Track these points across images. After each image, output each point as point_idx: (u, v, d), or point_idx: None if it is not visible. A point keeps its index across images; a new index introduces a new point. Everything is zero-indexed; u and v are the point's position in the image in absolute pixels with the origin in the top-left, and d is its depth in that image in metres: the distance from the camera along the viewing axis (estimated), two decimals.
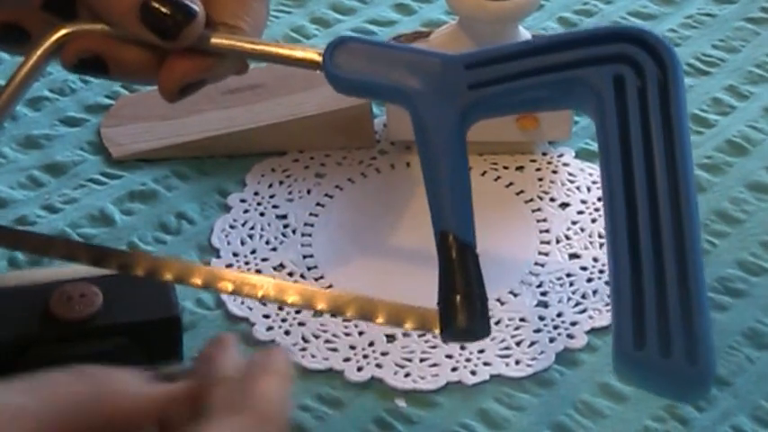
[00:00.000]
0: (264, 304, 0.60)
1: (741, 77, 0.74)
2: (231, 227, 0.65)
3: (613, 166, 0.48)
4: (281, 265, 0.63)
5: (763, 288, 0.62)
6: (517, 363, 0.58)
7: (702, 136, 0.70)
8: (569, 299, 0.61)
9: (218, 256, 0.64)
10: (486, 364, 0.58)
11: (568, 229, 0.65)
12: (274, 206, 0.66)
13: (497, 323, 0.60)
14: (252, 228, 0.65)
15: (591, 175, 0.68)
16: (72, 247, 0.54)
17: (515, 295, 0.61)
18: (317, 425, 0.56)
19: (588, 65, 0.49)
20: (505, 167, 0.68)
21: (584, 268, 0.63)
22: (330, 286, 0.62)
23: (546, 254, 0.63)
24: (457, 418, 0.56)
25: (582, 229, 0.65)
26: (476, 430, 0.56)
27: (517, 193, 0.67)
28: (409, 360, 0.58)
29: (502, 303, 0.61)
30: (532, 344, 0.59)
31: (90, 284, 0.54)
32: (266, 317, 0.60)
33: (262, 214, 0.66)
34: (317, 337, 0.59)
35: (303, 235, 0.65)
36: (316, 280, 0.62)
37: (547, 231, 0.65)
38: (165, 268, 0.52)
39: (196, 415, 0.42)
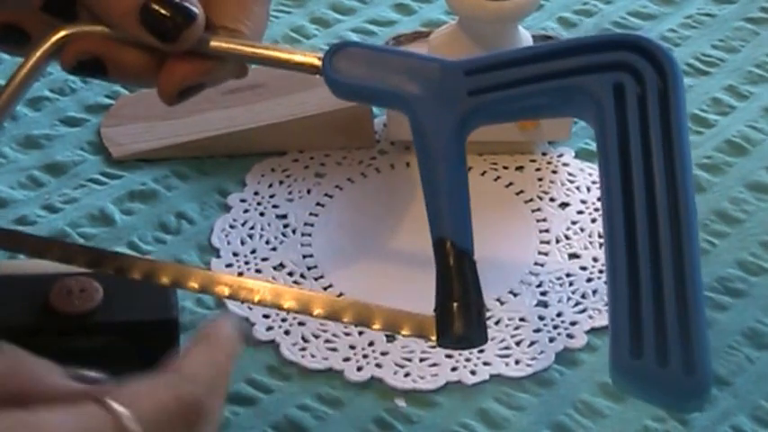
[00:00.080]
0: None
1: (741, 77, 0.74)
2: (231, 227, 0.65)
3: (612, 174, 0.48)
4: (281, 265, 0.63)
5: (763, 288, 0.62)
6: (517, 362, 0.58)
7: (702, 136, 0.70)
8: (569, 299, 0.61)
9: (218, 256, 0.64)
10: (485, 363, 0.58)
11: (568, 228, 0.65)
12: (274, 206, 0.66)
13: (497, 323, 0.60)
14: (252, 228, 0.65)
15: (590, 175, 0.68)
16: (69, 250, 0.54)
17: (515, 295, 0.61)
18: (316, 424, 0.56)
19: (588, 72, 0.49)
20: (505, 167, 0.68)
21: (583, 268, 0.63)
22: (330, 286, 0.62)
23: (546, 254, 0.63)
24: (457, 418, 0.56)
25: (582, 229, 0.65)
26: (475, 430, 0.56)
27: (517, 193, 0.67)
28: (409, 360, 0.58)
29: (502, 303, 0.61)
30: (532, 344, 0.59)
31: (91, 279, 0.53)
32: (266, 317, 0.60)
33: (262, 214, 0.66)
34: (316, 336, 0.59)
35: (303, 235, 0.65)
36: (315, 280, 0.62)
37: (546, 231, 0.65)
38: (162, 271, 0.52)
39: None
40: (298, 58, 0.51)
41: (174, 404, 0.43)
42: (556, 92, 0.49)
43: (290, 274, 0.63)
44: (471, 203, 0.49)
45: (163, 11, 0.49)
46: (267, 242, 0.64)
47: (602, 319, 0.60)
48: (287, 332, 0.60)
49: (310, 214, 0.66)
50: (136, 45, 0.50)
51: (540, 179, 0.68)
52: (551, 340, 0.59)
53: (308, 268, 0.63)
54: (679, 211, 0.47)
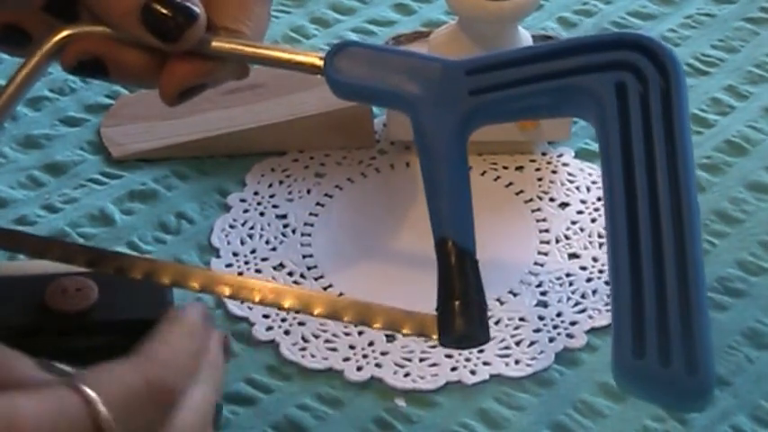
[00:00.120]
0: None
1: (740, 77, 0.74)
2: (231, 226, 0.65)
3: (615, 173, 0.48)
4: (281, 265, 0.63)
5: (763, 288, 0.62)
6: (517, 362, 0.58)
7: (702, 136, 0.70)
8: (569, 298, 0.61)
9: (218, 256, 0.64)
10: (485, 363, 0.58)
11: (568, 228, 0.65)
12: (274, 206, 0.66)
13: (497, 323, 0.60)
14: (252, 227, 0.65)
15: (590, 175, 0.68)
16: (69, 250, 0.54)
17: (515, 295, 0.61)
18: (316, 424, 0.56)
19: (590, 72, 0.49)
20: (505, 167, 0.68)
21: (583, 268, 0.63)
22: (330, 286, 0.62)
23: (545, 254, 0.63)
24: (456, 418, 0.56)
25: (581, 229, 0.65)
26: (475, 430, 0.56)
27: (517, 193, 0.67)
28: (409, 360, 0.58)
29: (501, 303, 0.61)
30: (532, 343, 0.59)
31: (87, 279, 0.53)
32: (266, 317, 0.60)
33: (262, 214, 0.66)
34: (316, 336, 0.59)
35: (303, 235, 0.65)
36: (315, 279, 0.62)
37: (546, 231, 0.65)
38: (163, 271, 0.52)
39: None
40: (299, 58, 0.51)
41: (143, 388, 0.43)
42: (557, 91, 0.49)
43: (290, 273, 0.63)
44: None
45: (164, 11, 0.49)
46: (267, 242, 0.64)
47: (602, 319, 0.60)
48: (287, 332, 0.60)
49: (310, 214, 0.66)
50: (137, 45, 0.50)
51: (539, 179, 0.68)
52: (551, 340, 0.59)
53: (308, 268, 0.63)
54: (682, 210, 0.47)
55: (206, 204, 0.67)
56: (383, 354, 0.59)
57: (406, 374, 0.58)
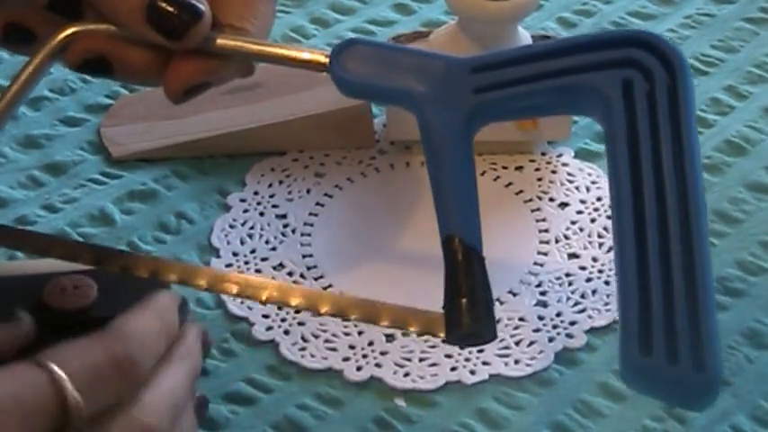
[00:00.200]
0: (264, 304, 0.60)
1: (740, 77, 0.74)
2: (231, 226, 0.65)
3: (622, 170, 0.48)
4: (281, 265, 0.63)
5: (763, 288, 0.62)
6: (516, 362, 0.58)
7: (702, 136, 0.70)
8: (568, 298, 0.61)
9: (218, 256, 0.64)
10: (485, 363, 0.58)
11: (567, 228, 0.65)
12: (274, 206, 0.66)
13: (497, 323, 0.60)
14: (252, 227, 0.65)
15: (590, 175, 0.68)
16: (74, 248, 0.54)
17: (514, 295, 0.61)
18: (316, 424, 0.56)
19: (596, 69, 0.49)
20: (504, 167, 0.68)
21: (583, 268, 0.63)
22: (329, 286, 0.62)
23: (545, 254, 0.63)
24: (456, 418, 0.56)
25: (581, 229, 0.65)
26: (475, 430, 0.56)
27: (516, 193, 0.67)
28: (408, 360, 0.58)
29: (501, 303, 0.61)
30: (531, 343, 0.59)
31: (85, 277, 0.53)
32: (266, 317, 0.60)
33: (261, 214, 0.66)
34: (316, 336, 0.59)
35: (303, 234, 0.65)
36: (315, 279, 0.62)
37: (546, 231, 0.65)
38: (169, 270, 0.52)
39: None
40: (304, 55, 0.51)
41: (107, 360, 0.44)
42: (564, 89, 0.49)
43: (290, 273, 0.63)
44: None
45: (169, 8, 0.49)
46: (267, 242, 0.64)
47: (602, 319, 0.60)
48: (286, 332, 0.60)
49: (310, 214, 0.66)
50: (142, 43, 0.50)
51: (539, 179, 0.68)
52: (551, 340, 0.59)
53: (308, 268, 0.63)
54: (689, 207, 0.47)
55: (206, 204, 0.67)
56: (383, 354, 0.59)
57: (406, 374, 0.58)
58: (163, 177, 0.68)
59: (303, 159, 0.69)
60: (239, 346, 0.59)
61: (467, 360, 0.58)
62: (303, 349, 0.59)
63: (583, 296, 0.61)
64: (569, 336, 0.59)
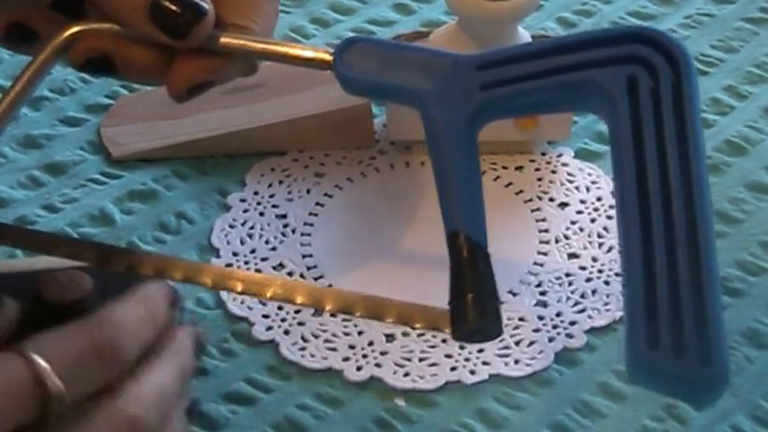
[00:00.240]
0: (264, 304, 0.60)
1: (740, 77, 0.74)
2: (231, 226, 0.65)
3: (626, 167, 0.47)
4: (281, 265, 0.63)
5: (762, 288, 0.62)
6: (516, 362, 0.58)
7: None
8: (568, 298, 0.61)
9: (218, 256, 0.64)
10: (485, 363, 0.58)
11: (567, 228, 0.65)
12: (274, 206, 0.66)
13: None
14: (251, 227, 0.65)
15: (590, 174, 0.68)
16: (78, 247, 0.54)
17: (514, 295, 0.61)
18: (316, 424, 0.56)
19: (601, 66, 0.49)
20: (504, 167, 0.68)
21: (582, 268, 0.63)
22: (329, 286, 0.62)
23: (545, 254, 0.63)
24: (456, 418, 0.56)
25: (581, 229, 0.65)
26: (475, 430, 0.56)
27: (516, 193, 0.67)
28: (408, 359, 0.58)
29: (501, 303, 0.61)
30: (531, 343, 0.59)
31: (81, 272, 0.53)
32: (266, 317, 0.60)
33: (261, 214, 0.66)
34: (316, 336, 0.59)
35: (303, 234, 0.65)
36: (315, 279, 0.62)
37: (546, 231, 0.65)
38: (174, 268, 0.52)
39: None
40: (308, 53, 0.50)
41: (88, 346, 0.45)
42: (568, 86, 0.49)
43: (290, 273, 0.63)
44: None
45: (173, 7, 0.49)
46: (267, 242, 0.64)
47: (602, 319, 0.60)
48: (286, 332, 0.60)
49: (310, 214, 0.66)
50: (145, 42, 0.50)
51: (539, 179, 0.68)
52: (550, 340, 0.59)
53: (308, 268, 0.63)
54: (694, 202, 0.47)
55: (206, 204, 0.67)
56: (383, 353, 0.59)
57: (406, 374, 0.58)
58: (163, 177, 0.68)
59: (303, 159, 0.69)
60: (239, 345, 0.59)
61: (467, 360, 0.58)
62: (303, 349, 0.59)
63: (583, 296, 0.61)
64: (569, 336, 0.59)
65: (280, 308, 0.60)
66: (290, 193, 0.67)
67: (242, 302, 0.61)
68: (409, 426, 0.56)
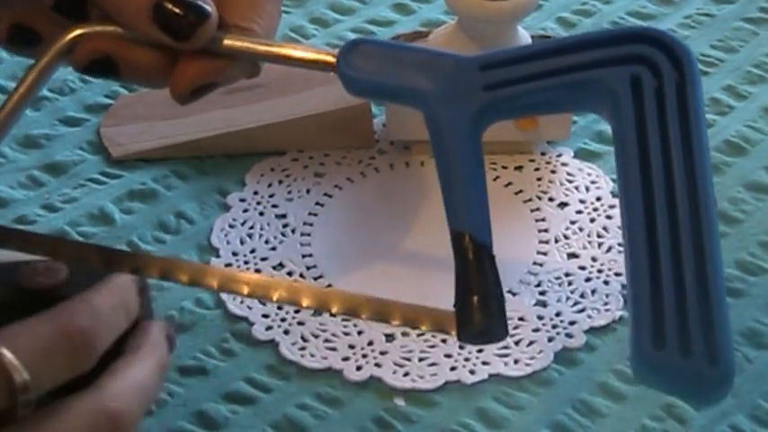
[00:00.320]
0: (264, 304, 0.60)
1: (740, 77, 0.74)
2: (231, 226, 0.65)
3: (631, 166, 0.47)
4: (281, 265, 0.63)
5: (762, 288, 0.62)
6: (516, 362, 0.58)
7: None
8: (568, 298, 0.61)
9: (218, 256, 0.64)
10: (484, 363, 0.58)
11: (567, 228, 0.65)
12: (274, 205, 0.66)
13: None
14: (251, 227, 0.65)
15: (589, 174, 0.68)
16: (83, 250, 0.53)
17: (514, 295, 0.61)
18: (316, 424, 0.56)
19: (604, 66, 0.49)
20: (504, 167, 0.68)
21: (582, 268, 0.63)
22: (329, 286, 0.62)
23: (545, 253, 0.63)
24: (456, 418, 0.56)
25: (580, 229, 0.65)
26: (475, 429, 0.56)
27: (516, 193, 0.67)
28: (408, 359, 0.58)
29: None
30: (531, 343, 0.59)
31: (56, 261, 0.53)
32: (265, 316, 0.60)
33: (261, 214, 0.66)
34: (316, 336, 0.59)
35: (302, 234, 0.65)
36: (315, 279, 0.62)
37: (545, 231, 0.65)
38: (179, 270, 0.52)
39: None
40: (311, 55, 0.50)
41: (54, 334, 0.44)
42: (572, 86, 0.49)
43: (290, 273, 0.63)
44: None
45: (176, 9, 0.49)
46: (266, 242, 0.64)
47: (601, 319, 0.60)
48: (286, 332, 0.60)
49: (310, 214, 0.66)
50: (148, 44, 0.49)
51: (538, 179, 0.68)
52: (550, 340, 0.59)
53: (308, 268, 0.63)
54: (698, 201, 0.47)
55: (206, 204, 0.67)
56: (382, 353, 0.59)
57: (406, 374, 0.58)
58: (163, 177, 0.68)
59: (303, 159, 0.69)
60: (239, 345, 0.59)
61: (466, 360, 0.58)
62: (303, 349, 0.59)
63: (582, 296, 0.61)
64: (569, 335, 0.59)
65: (279, 308, 0.61)
66: (289, 192, 0.67)
67: (242, 302, 0.61)
68: (409, 425, 0.56)
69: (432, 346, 0.59)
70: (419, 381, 0.58)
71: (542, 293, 0.61)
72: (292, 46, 0.51)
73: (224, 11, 0.50)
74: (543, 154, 0.69)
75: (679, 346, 0.45)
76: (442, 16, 0.78)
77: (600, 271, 0.62)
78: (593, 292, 0.61)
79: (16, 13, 0.51)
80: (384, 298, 0.51)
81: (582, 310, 0.61)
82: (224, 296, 0.61)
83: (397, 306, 0.50)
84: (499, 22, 0.64)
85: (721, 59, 0.76)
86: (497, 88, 0.49)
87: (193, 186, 0.68)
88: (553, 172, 0.68)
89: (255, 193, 0.67)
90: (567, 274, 0.62)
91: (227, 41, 0.50)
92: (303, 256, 0.63)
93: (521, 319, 0.60)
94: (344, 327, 0.60)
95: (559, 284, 0.62)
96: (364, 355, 0.59)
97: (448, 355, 0.58)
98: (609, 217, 0.65)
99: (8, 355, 0.43)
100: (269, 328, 0.60)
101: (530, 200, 0.66)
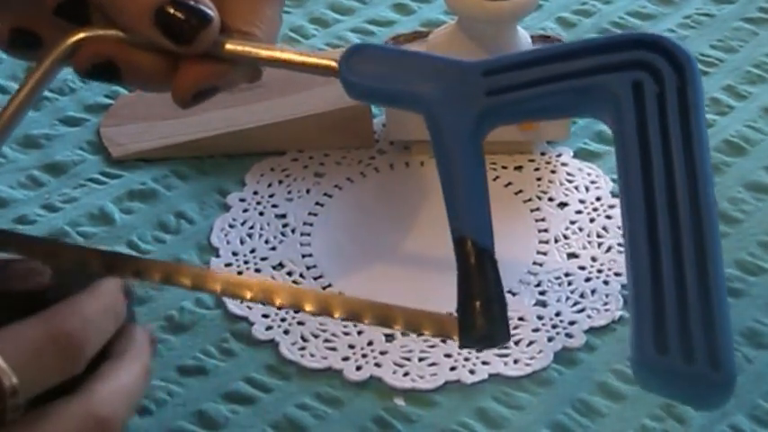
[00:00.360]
0: (264, 304, 0.60)
1: (739, 77, 0.74)
2: (230, 226, 0.65)
3: (633, 172, 0.48)
4: (281, 265, 0.63)
5: (762, 288, 0.62)
6: (516, 362, 0.58)
7: None
8: (568, 298, 0.61)
9: (218, 256, 0.64)
10: (484, 363, 0.58)
11: (567, 228, 0.65)
12: (273, 205, 0.66)
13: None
14: (251, 227, 0.65)
15: (589, 174, 0.68)
16: (84, 254, 0.53)
17: (514, 294, 0.61)
18: (316, 424, 0.56)
19: (606, 71, 0.49)
20: (504, 167, 0.68)
21: (582, 268, 0.63)
22: (329, 285, 0.62)
23: (544, 253, 0.64)
24: (456, 417, 0.56)
25: (580, 229, 0.65)
26: (474, 429, 0.56)
27: (516, 193, 0.67)
28: (408, 359, 0.58)
29: None
30: (531, 343, 0.59)
31: (39, 263, 0.53)
32: (265, 316, 0.60)
33: (261, 213, 0.66)
34: (316, 336, 0.59)
35: (302, 234, 0.65)
36: (315, 279, 0.62)
37: (545, 231, 0.65)
38: (182, 274, 0.52)
39: None
40: (313, 60, 0.50)
41: (42, 337, 0.45)
42: (574, 91, 0.49)
43: (290, 273, 0.63)
44: None
45: (178, 13, 0.48)
46: (266, 241, 0.64)
47: (601, 319, 0.60)
48: (286, 331, 0.60)
49: (309, 214, 0.66)
50: (150, 48, 0.49)
51: (538, 179, 0.68)
52: (550, 340, 0.59)
53: (308, 268, 0.63)
54: (700, 206, 0.47)
55: (205, 204, 0.67)
56: (382, 353, 0.59)
57: (406, 374, 0.58)
58: (162, 177, 0.68)
59: (303, 159, 0.69)
60: (239, 345, 0.59)
61: (466, 360, 0.58)
62: (303, 349, 0.59)
63: (582, 296, 0.61)
64: (568, 335, 0.59)
65: (279, 307, 0.61)
66: (289, 192, 0.67)
67: (241, 302, 0.61)
68: (409, 425, 0.56)
69: (431, 346, 0.59)
70: (419, 381, 0.58)
71: (542, 293, 0.61)
72: (294, 51, 0.51)
73: (225, 15, 0.50)
74: (543, 154, 0.69)
75: (681, 351, 0.45)
76: (442, 16, 0.78)
77: (600, 271, 0.62)
78: (593, 291, 0.61)
79: (17, 16, 0.51)
80: (386, 303, 0.51)
81: (582, 310, 0.61)
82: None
83: (399, 311, 0.50)
84: (499, 22, 0.64)
85: (721, 59, 0.76)
86: (500, 93, 0.49)
87: (193, 186, 0.68)
88: (553, 172, 0.68)
89: (255, 192, 0.67)
90: (566, 274, 0.62)
91: (228, 46, 0.50)
92: (303, 256, 0.63)
93: (520, 319, 0.60)
94: (344, 327, 0.60)
95: (559, 284, 0.62)
96: (364, 355, 0.59)
97: (448, 355, 0.58)
98: (608, 217, 0.65)
99: None
100: (269, 327, 0.60)
101: (529, 200, 0.66)
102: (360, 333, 0.59)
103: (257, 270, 0.63)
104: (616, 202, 0.66)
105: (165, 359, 0.58)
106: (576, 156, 0.69)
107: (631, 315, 0.46)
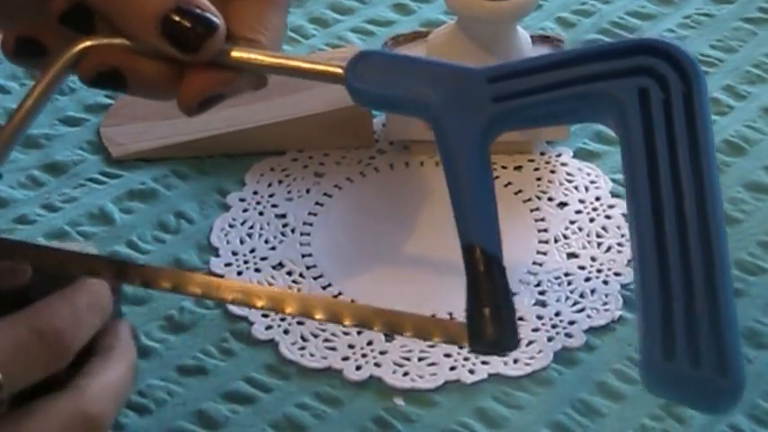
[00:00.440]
0: (276, 313, 0.60)
1: (739, 77, 0.74)
2: (230, 226, 0.65)
3: (640, 179, 0.47)
4: (280, 264, 0.63)
5: (761, 288, 0.62)
6: (515, 362, 0.58)
7: None
8: (567, 298, 0.61)
9: (218, 255, 0.64)
10: (484, 363, 0.58)
11: (566, 228, 0.65)
12: (273, 205, 0.66)
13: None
14: (251, 227, 0.65)
15: (589, 174, 0.68)
16: (93, 263, 0.53)
17: (513, 294, 0.61)
18: (315, 423, 0.56)
19: (612, 78, 0.49)
20: (504, 167, 0.68)
21: (582, 267, 0.63)
22: (329, 285, 0.62)
23: (544, 253, 0.64)
24: (455, 417, 0.56)
25: (580, 229, 0.65)
26: (474, 429, 0.56)
27: (515, 193, 0.67)
28: (408, 359, 0.58)
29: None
30: (531, 343, 0.59)
31: (20, 262, 0.53)
32: (265, 316, 0.60)
33: (261, 213, 0.66)
34: (315, 336, 0.59)
35: (302, 234, 0.65)
36: (314, 279, 0.62)
37: (545, 231, 0.65)
38: (191, 282, 0.51)
39: None
40: (319, 67, 0.50)
41: (27, 333, 0.45)
42: (580, 98, 0.49)
43: (290, 273, 0.63)
44: None
45: (184, 21, 0.48)
46: (266, 241, 0.64)
47: (601, 319, 0.60)
48: (286, 331, 0.60)
49: (309, 214, 0.66)
50: (155, 57, 0.49)
51: (538, 179, 0.68)
52: (550, 339, 0.59)
53: (307, 267, 0.63)
54: (707, 212, 0.47)
55: (205, 204, 0.67)
56: (382, 353, 0.59)
57: (405, 374, 0.58)
58: (162, 177, 0.68)
59: (302, 159, 0.69)
60: (239, 345, 0.59)
61: (466, 359, 0.58)
62: (302, 349, 0.59)
63: (582, 296, 0.61)
64: (568, 335, 0.59)
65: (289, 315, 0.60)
66: (289, 192, 0.67)
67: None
68: (408, 425, 0.56)
69: (431, 346, 0.59)
70: (419, 380, 0.58)
71: (542, 293, 0.61)
72: (300, 58, 0.51)
73: (231, 23, 0.50)
74: (543, 154, 0.69)
75: (689, 357, 0.45)
76: (442, 16, 0.78)
77: (599, 271, 0.62)
78: (593, 291, 0.61)
79: (22, 25, 0.51)
80: (395, 310, 0.51)
81: (581, 310, 0.61)
82: None
83: (408, 318, 0.50)
84: (499, 22, 0.64)
85: (721, 59, 0.76)
86: (505, 100, 0.49)
87: (193, 186, 0.68)
88: (552, 172, 0.68)
89: (255, 192, 0.67)
90: (566, 274, 0.62)
91: (234, 53, 0.50)
92: (303, 256, 0.63)
93: (520, 318, 0.60)
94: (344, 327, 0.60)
95: (559, 284, 0.62)
96: (364, 355, 0.59)
97: (447, 355, 0.58)
98: (608, 217, 0.65)
99: None
100: (269, 327, 0.60)
101: (529, 200, 0.67)
102: (359, 333, 0.59)
103: (257, 270, 0.63)
104: (616, 202, 0.66)
105: (165, 359, 0.59)
106: (575, 156, 0.69)
107: (639, 321, 0.46)
